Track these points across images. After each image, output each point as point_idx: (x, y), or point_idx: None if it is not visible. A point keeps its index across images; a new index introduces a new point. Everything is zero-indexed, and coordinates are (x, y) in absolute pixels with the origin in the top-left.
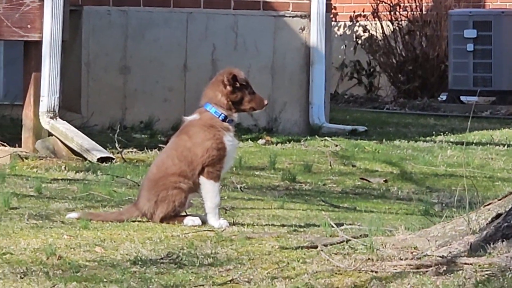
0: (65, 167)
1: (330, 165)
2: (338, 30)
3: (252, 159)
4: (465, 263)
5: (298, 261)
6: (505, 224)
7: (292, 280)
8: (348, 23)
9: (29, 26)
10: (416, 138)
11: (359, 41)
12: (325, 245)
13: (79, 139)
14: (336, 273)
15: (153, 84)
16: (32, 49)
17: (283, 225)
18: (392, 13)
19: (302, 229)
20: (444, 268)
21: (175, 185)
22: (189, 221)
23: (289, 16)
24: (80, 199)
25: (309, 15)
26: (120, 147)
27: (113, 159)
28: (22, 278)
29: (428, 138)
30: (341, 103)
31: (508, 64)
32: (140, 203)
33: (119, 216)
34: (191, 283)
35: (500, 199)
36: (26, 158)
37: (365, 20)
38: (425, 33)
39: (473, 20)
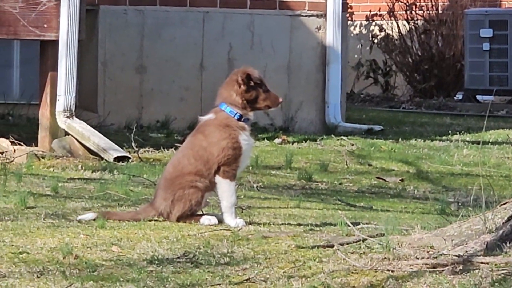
0: (81, 167)
1: (346, 164)
2: (354, 29)
3: (269, 158)
4: (482, 262)
5: (315, 260)
6: None
7: (308, 279)
8: (364, 22)
9: (45, 25)
10: (432, 137)
11: (375, 40)
12: (342, 244)
13: (95, 139)
14: (352, 272)
15: (170, 84)
16: (49, 48)
17: (300, 224)
18: (408, 12)
19: (318, 228)
20: (461, 267)
21: (192, 184)
22: (206, 220)
23: (305, 16)
24: (96, 198)
25: (325, 15)
26: (136, 146)
27: (130, 158)
28: (39, 277)
29: (444, 137)
30: (357, 102)
31: None
32: (157, 202)
33: (136, 215)
34: (207, 282)
35: None
36: (43, 158)
37: (381, 20)
38: (441, 32)
39: (489, 19)
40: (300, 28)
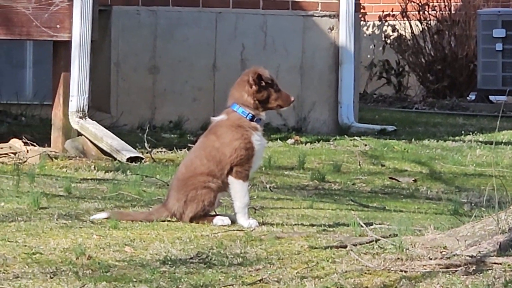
0: (94, 167)
1: (359, 165)
2: (367, 29)
3: (281, 159)
4: (495, 263)
5: (328, 260)
6: None
7: (321, 279)
8: (377, 22)
9: (58, 26)
10: (445, 137)
11: (388, 41)
12: (355, 245)
13: (108, 139)
14: (365, 273)
15: (182, 84)
16: (61, 49)
17: (312, 225)
18: (421, 12)
19: (331, 229)
20: (474, 268)
21: (204, 184)
22: (219, 220)
23: (318, 16)
24: (109, 199)
25: (338, 15)
26: (149, 147)
27: (143, 159)
28: (52, 278)
29: (457, 138)
30: (370, 102)
31: None
32: (169, 203)
33: (149, 216)
34: (220, 283)
35: None
36: (56, 158)
37: (394, 20)
38: (454, 32)
39: (502, 19)
40: (313, 29)
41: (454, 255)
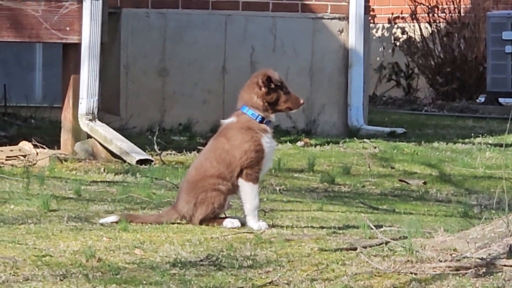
0: (104, 169)
1: (369, 167)
2: (377, 32)
3: (291, 161)
4: (504, 265)
5: (337, 263)
6: None
7: (331, 282)
8: (386, 25)
9: (68, 28)
10: (455, 140)
11: (397, 43)
12: (364, 247)
13: (118, 141)
14: (375, 275)
15: (192, 86)
16: (71, 51)
17: (322, 227)
18: (430, 15)
19: (341, 231)
20: (484, 270)
21: (214, 187)
22: (228, 223)
23: (328, 18)
24: (119, 201)
25: (348, 17)
26: (159, 149)
27: (152, 161)
28: (62, 280)
29: (466, 140)
30: (380, 105)
31: None
32: (179, 205)
33: (158, 218)
34: (230, 285)
35: None
36: (65, 160)
37: (403, 22)
38: (463, 35)
39: (511, 22)
40: (322, 31)
41: (464, 258)
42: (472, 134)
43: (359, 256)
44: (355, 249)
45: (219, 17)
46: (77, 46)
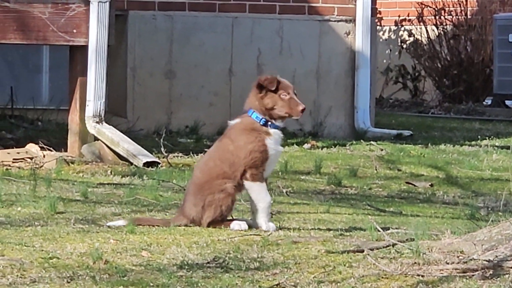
0: (111, 172)
1: (376, 170)
2: (383, 34)
3: (298, 164)
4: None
5: (344, 265)
6: None
7: (338, 284)
8: (393, 27)
9: (74, 30)
10: (462, 142)
11: (404, 46)
12: (371, 249)
13: (125, 144)
14: (382, 277)
15: (199, 89)
16: (78, 53)
17: (329, 229)
18: (437, 17)
19: (348, 233)
20: (491, 272)
21: (221, 188)
22: (236, 225)
23: (334, 21)
24: (126, 203)
25: (354, 20)
26: (165, 152)
27: (159, 163)
28: (69, 282)
29: (473, 143)
30: (386, 107)
31: None
32: (186, 207)
33: (167, 223)
34: (237, 287)
35: None
36: (72, 163)
37: (410, 25)
38: (470, 37)
39: None
40: (329, 33)
41: (471, 260)
42: (479, 137)
43: (366, 258)
44: (362, 251)
45: (225, 19)
46: (84, 49)
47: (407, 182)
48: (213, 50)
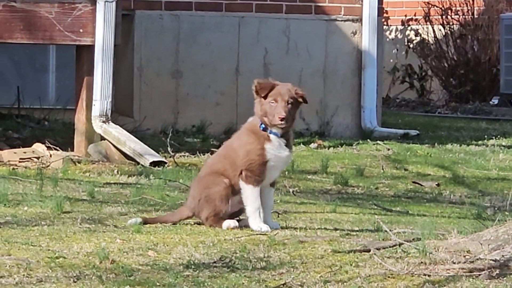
0: (117, 171)
1: (382, 169)
2: (390, 34)
3: (304, 163)
4: None
5: (351, 264)
6: None
7: (345, 283)
8: (400, 27)
9: (81, 30)
10: (468, 142)
11: (411, 45)
12: (378, 249)
13: (131, 143)
14: (388, 277)
15: (205, 88)
16: (84, 53)
17: (336, 229)
18: (443, 17)
19: (354, 233)
20: (497, 272)
21: (216, 182)
22: (226, 224)
23: (341, 20)
24: (132, 203)
25: (361, 19)
26: (172, 151)
27: (166, 163)
28: (75, 282)
29: (480, 142)
30: (393, 107)
31: None
32: (188, 201)
33: (172, 216)
34: (244, 287)
35: None
36: (79, 162)
37: (416, 24)
38: (477, 37)
39: None
40: (335, 33)
41: (477, 259)
42: (486, 136)
43: (373, 258)
44: (369, 250)
45: (232, 19)
46: (90, 48)
47: (413, 182)
48: (220, 49)
